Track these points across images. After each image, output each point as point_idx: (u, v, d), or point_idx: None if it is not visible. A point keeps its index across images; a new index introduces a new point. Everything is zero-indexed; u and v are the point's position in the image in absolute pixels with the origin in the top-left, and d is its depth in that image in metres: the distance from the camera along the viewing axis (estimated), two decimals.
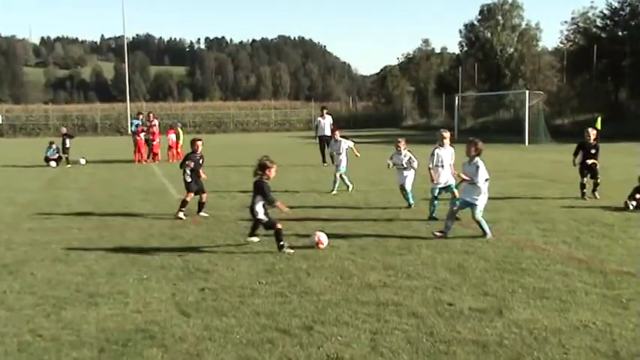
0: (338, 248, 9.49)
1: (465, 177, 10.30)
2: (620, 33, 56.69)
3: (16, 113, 73.94)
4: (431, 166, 12.38)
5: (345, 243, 9.95)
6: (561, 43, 64.45)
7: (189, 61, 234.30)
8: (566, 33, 61.34)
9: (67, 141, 28.12)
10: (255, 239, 10.08)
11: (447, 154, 12.50)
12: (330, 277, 7.92)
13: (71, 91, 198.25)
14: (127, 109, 66.92)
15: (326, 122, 25.18)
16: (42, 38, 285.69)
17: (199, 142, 12.99)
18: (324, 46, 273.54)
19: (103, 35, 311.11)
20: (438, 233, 10.36)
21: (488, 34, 70.35)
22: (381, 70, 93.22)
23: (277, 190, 16.17)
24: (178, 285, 7.72)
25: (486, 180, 10.22)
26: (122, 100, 77.00)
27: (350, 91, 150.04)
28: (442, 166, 12.35)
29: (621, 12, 57.01)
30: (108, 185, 19.05)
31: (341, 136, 17.19)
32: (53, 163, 27.22)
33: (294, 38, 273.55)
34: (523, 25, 70.71)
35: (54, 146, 28.05)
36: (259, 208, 9.69)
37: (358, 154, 17.82)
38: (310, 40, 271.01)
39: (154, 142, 29.03)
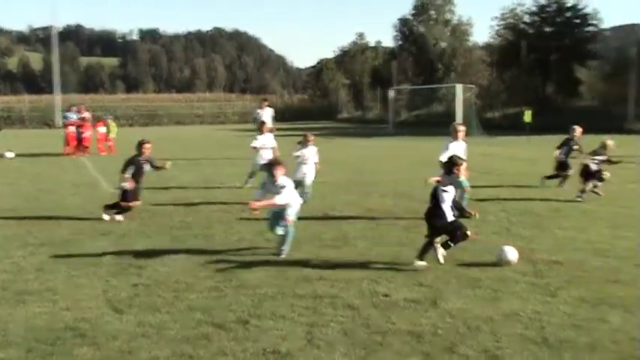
0: (273, 242, 9.47)
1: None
2: (546, 29, 58.26)
3: None
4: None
5: None
6: (491, 38, 65.87)
7: (121, 52, 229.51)
8: (496, 28, 62.68)
9: None
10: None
11: (460, 148, 12.06)
12: (266, 271, 7.89)
13: None
14: (56, 101, 65.15)
15: (266, 114, 24.92)
16: None
17: (148, 145, 11.94)
18: (259, 39, 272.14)
19: (30, 25, 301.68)
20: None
21: (422, 29, 71.28)
22: (317, 63, 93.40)
23: (212, 186, 16.05)
24: (110, 281, 7.55)
25: None
26: (51, 92, 74.88)
27: (285, 84, 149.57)
28: None
29: (548, 9, 58.60)
30: (37, 179, 18.50)
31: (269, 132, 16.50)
32: None
33: (229, 31, 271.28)
34: (455, 20, 71.97)
35: None
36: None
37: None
38: (245, 32, 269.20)
39: (85, 135, 28.33)
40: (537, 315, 6.12)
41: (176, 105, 77.55)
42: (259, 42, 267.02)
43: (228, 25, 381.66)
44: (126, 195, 11.78)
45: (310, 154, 13.60)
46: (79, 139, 28.15)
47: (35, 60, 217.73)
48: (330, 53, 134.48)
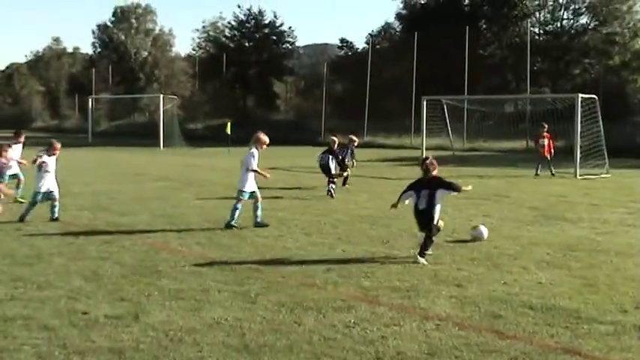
0: None
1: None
2: (246, 44, 60.61)
3: None
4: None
5: None
6: (193, 50, 66.80)
7: None
8: (197, 41, 63.74)
9: None
10: None
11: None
12: None
13: None
14: None
15: None
16: None
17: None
18: None
19: None
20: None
21: (123, 37, 69.81)
22: (7, 67, 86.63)
23: None
24: None
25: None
26: None
27: None
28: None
29: (247, 24, 60.98)
30: None
31: None
32: None
33: None
34: (157, 30, 71.67)
35: None
36: None
37: None
38: None
39: None
40: (239, 322, 6.26)
41: None
42: None
43: None
44: None
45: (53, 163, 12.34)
46: None
47: None
48: (21, 57, 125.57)
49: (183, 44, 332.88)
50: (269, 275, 8.15)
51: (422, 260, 8.75)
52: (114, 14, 70.02)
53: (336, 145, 17.22)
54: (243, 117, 52.61)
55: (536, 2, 52.44)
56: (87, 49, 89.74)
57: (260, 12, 61.79)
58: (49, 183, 12.21)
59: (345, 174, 17.84)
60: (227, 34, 62.55)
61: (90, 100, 51.22)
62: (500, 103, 37.37)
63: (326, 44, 72.81)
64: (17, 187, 14.47)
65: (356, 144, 20.12)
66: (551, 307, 6.68)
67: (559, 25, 53.30)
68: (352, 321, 6.28)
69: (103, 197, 15.68)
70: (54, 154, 12.41)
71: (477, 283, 7.73)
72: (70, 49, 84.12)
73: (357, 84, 49.01)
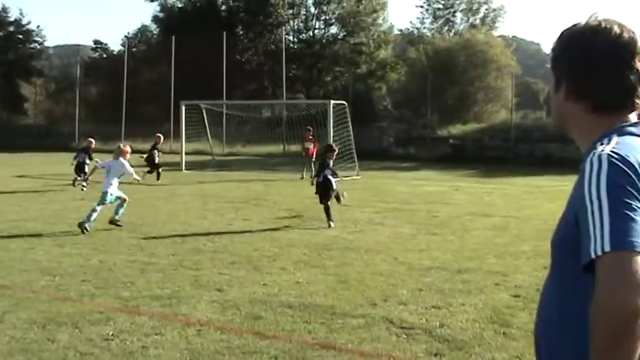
0: None
1: None
2: None
3: None
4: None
5: None
6: None
7: None
8: None
9: None
10: None
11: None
12: None
13: None
14: None
15: None
16: None
17: None
18: None
19: None
20: None
21: None
22: None
23: None
24: None
25: None
26: None
27: None
28: None
29: None
30: None
31: None
32: None
33: None
34: None
35: None
36: None
37: None
38: None
39: None
40: None
41: None
42: None
43: None
44: None
45: None
46: None
47: None
48: None
49: None
50: (18, 291, 7.58)
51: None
52: None
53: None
54: None
55: (290, 11, 54.61)
56: None
57: (4, 9, 57.59)
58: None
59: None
60: None
61: None
62: (258, 108, 38.30)
63: (79, 45, 69.50)
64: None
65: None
66: (308, 305, 6.97)
67: (312, 34, 56.02)
68: (111, 333, 6.06)
69: None
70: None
71: (238, 286, 7.85)
72: None
73: (114, 87, 47.45)
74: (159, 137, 22.98)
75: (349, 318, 6.53)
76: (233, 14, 53.88)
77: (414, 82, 46.55)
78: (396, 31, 58.44)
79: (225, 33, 42.32)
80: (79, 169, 19.42)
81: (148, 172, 21.37)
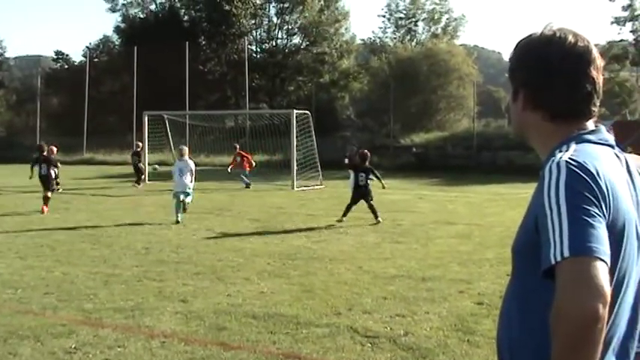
0: None
1: None
2: None
3: None
4: None
5: None
6: None
7: None
8: None
9: None
10: None
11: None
12: None
13: None
14: None
15: None
16: None
17: None
18: None
19: None
20: None
21: None
22: None
23: None
24: None
25: None
26: None
27: None
28: None
29: None
30: None
31: None
32: None
33: None
34: None
35: None
36: None
37: None
38: None
39: None
40: None
41: None
42: None
43: None
44: None
45: None
46: None
47: None
48: None
49: None
50: None
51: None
52: None
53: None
54: None
55: (253, 21, 54.62)
56: None
57: None
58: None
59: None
60: None
61: None
62: (222, 119, 38.22)
63: (40, 56, 68.59)
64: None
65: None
66: (272, 315, 6.96)
67: (274, 43, 56.09)
68: (73, 346, 5.98)
69: None
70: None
71: (202, 297, 7.80)
72: None
73: (75, 98, 46.93)
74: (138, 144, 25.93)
75: (314, 327, 6.54)
76: (195, 24, 53.68)
77: (376, 92, 46.88)
78: (358, 41, 58.89)
79: (187, 43, 42.17)
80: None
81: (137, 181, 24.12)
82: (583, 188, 1.64)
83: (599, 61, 1.85)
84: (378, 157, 35.64)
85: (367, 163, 14.81)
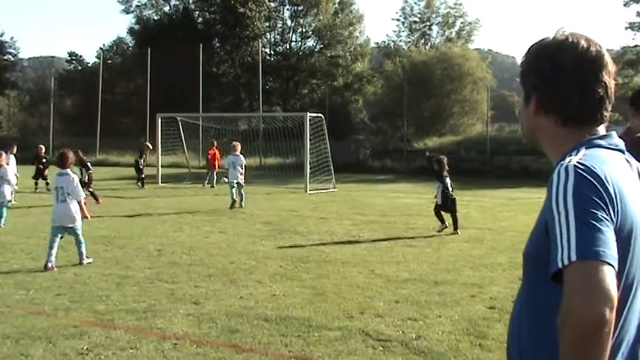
0: None
1: None
2: None
3: None
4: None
5: None
6: None
7: None
8: None
9: None
10: None
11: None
12: None
13: None
14: None
15: None
16: None
17: None
18: None
19: None
20: None
21: None
22: None
23: None
24: None
25: None
26: None
27: None
28: None
29: None
30: None
31: None
32: None
33: None
34: None
35: None
36: None
37: None
38: None
39: None
40: None
41: None
42: None
43: None
44: None
45: None
46: None
47: None
48: None
49: None
50: None
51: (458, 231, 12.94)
52: None
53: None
54: None
55: (267, 24, 54.73)
56: None
57: None
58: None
59: None
60: None
61: None
62: (235, 121, 38.19)
63: (53, 57, 69.03)
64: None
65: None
66: (284, 318, 6.95)
67: (288, 46, 56.17)
68: (85, 347, 6.00)
69: None
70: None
71: (214, 299, 7.81)
72: None
73: (89, 100, 47.16)
74: (147, 146, 26.37)
75: (326, 331, 6.52)
76: (209, 27, 53.85)
77: (390, 95, 46.81)
78: (372, 44, 58.87)
79: (201, 45, 42.27)
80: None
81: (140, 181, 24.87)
82: (591, 192, 1.64)
83: (612, 67, 1.84)
84: (391, 160, 35.75)
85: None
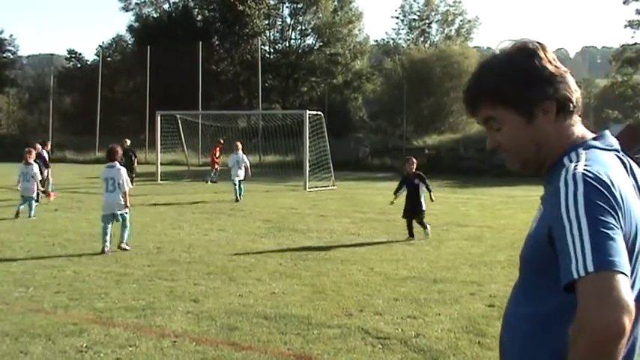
0: None
1: None
2: None
3: None
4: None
5: None
6: None
7: None
8: None
9: None
10: None
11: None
12: None
13: None
14: None
15: None
16: None
17: None
18: None
19: None
20: None
21: None
22: None
23: None
24: None
25: None
26: None
27: None
28: None
29: None
30: None
31: None
32: None
33: None
34: None
35: None
36: None
37: None
38: None
39: None
40: None
41: None
42: None
43: None
44: None
45: None
46: None
47: None
48: None
49: None
50: None
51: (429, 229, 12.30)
52: None
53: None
54: None
55: (266, 22, 54.67)
56: None
57: None
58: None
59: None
60: None
61: None
62: (234, 119, 38.17)
63: (52, 55, 68.95)
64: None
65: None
66: (284, 316, 6.95)
67: (288, 44, 56.12)
68: (84, 345, 6.00)
69: None
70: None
71: (214, 297, 7.81)
72: None
73: (88, 97, 47.09)
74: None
75: (325, 328, 6.52)
76: (209, 24, 53.79)
77: (389, 93, 46.79)
78: (371, 42, 58.82)
79: (200, 43, 42.22)
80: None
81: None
82: (601, 200, 1.62)
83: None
84: (390, 158, 35.74)
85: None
